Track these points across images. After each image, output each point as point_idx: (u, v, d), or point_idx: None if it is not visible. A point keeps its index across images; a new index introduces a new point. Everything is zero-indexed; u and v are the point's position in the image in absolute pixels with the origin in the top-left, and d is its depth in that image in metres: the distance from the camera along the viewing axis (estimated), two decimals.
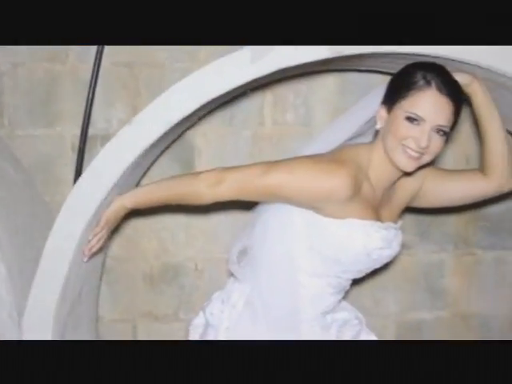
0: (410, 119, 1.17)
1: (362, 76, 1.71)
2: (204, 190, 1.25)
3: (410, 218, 1.84)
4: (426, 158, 1.21)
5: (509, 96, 1.41)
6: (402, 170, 1.23)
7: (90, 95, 1.66)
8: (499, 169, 1.34)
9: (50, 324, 1.25)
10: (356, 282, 1.84)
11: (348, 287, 1.42)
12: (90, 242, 1.28)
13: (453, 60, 1.24)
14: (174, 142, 1.68)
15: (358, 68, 1.67)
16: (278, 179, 1.20)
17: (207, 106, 1.45)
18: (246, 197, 1.26)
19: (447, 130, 1.19)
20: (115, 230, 1.77)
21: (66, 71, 1.70)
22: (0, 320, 1.33)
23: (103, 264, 1.70)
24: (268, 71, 1.17)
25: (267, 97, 1.74)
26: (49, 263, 1.24)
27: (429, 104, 1.18)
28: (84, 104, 1.67)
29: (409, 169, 1.21)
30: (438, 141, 1.19)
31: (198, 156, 1.76)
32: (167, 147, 1.65)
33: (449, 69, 1.21)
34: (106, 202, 1.24)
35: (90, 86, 1.65)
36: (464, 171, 1.46)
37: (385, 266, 1.84)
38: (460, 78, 1.25)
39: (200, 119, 1.64)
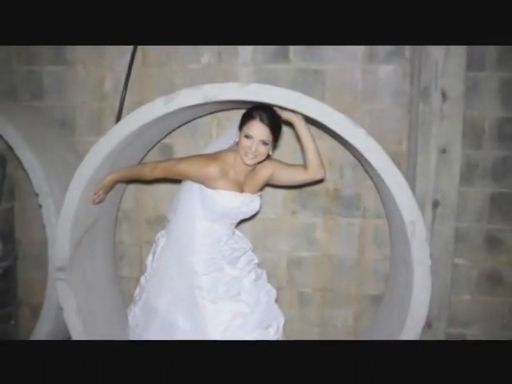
0: (246, 136, 2.06)
1: None
2: (147, 173, 2.27)
3: (295, 195, 2.96)
4: (259, 158, 2.10)
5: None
6: (247, 164, 2.12)
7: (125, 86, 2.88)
8: (312, 166, 2.17)
9: (67, 234, 2.37)
10: (264, 234, 3.01)
11: (234, 226, 2.37)
12: (93, 197, 2.42)
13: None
14: (157, 144, 2.95)
15: None
16: (183, 167, 2.14)
17: (171, 123, 2.70)
18: (170, 176, 2.23)
19: (268, 142, 2.06)
20: (131, 193, 3.12)
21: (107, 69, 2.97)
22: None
23: (117, 209, 3.01)
24: (172, 109, 2.23)
25: (213, 121, 2.96)
26: (67, 203, 2.36)
27: (255, 128, 2.05)
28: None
29: (249, 163, 2.09)
30: (262, 148, 2.07)
31: (175, 155, 3.02)
32: (153, 147, 2.92)
33: (280, 109, 2.15)
34: (101, 173, 2.37)
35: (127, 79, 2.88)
36: (296, 166, 2.26)
37: (281, 224, 3.02)
38: (285, 114, 2.16)
39: (171, 132, 2.92)
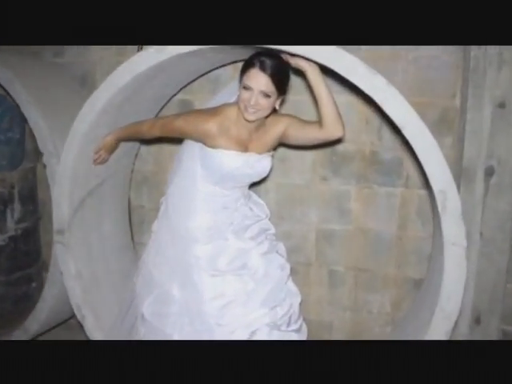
0: (245, 88, 1.78)
1: None
2: (145, 131, 2.09)
3: (326, 159, 2.60)
4: (261, 113, 1.81)
5: None
6: (247, 120, 1.84)
7: None
8: (328, 122, 1.83)
9: (65, 195, 2.23)
10: (291, 203, 2.68)
11: (243, 190, 2.09)
12: (94, 156, 2.26)
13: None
14: (172, 100, 2.70)
15: None
16: (179, 123, 1.94)
17: (181, 76, 2.42)
18: (169, 134, 2.04)
19: (269, 94, 1.76)
20: (151, 154, 2.91)
21: None
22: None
23: (131, 171, 2.82)
24: (166, 57, 1.96)
25: (235, 74, 2.51)
26: (63, 162, 2.21)
27: (254, 77, 1.76)
28: None
29: (249, 119, 1.82)
30: (264, 100, 1.78)
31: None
32: (168, 103, 2.67)
33: (293, 56, 1.77)
34: (99, 131, 2.20)
35: None
36: (311, 122, 1.93)
37: (310, 192, 2.67)
38: (294, 61, 1.80)
39: (187, 86, 2.64)
